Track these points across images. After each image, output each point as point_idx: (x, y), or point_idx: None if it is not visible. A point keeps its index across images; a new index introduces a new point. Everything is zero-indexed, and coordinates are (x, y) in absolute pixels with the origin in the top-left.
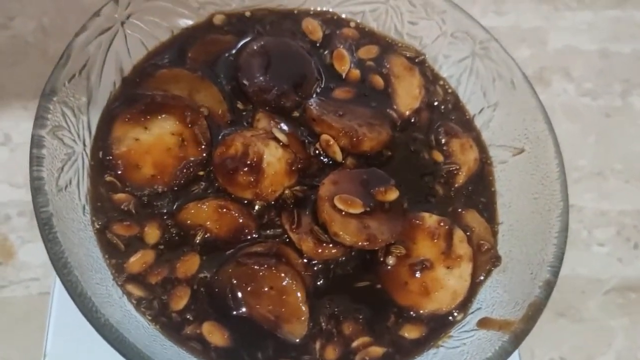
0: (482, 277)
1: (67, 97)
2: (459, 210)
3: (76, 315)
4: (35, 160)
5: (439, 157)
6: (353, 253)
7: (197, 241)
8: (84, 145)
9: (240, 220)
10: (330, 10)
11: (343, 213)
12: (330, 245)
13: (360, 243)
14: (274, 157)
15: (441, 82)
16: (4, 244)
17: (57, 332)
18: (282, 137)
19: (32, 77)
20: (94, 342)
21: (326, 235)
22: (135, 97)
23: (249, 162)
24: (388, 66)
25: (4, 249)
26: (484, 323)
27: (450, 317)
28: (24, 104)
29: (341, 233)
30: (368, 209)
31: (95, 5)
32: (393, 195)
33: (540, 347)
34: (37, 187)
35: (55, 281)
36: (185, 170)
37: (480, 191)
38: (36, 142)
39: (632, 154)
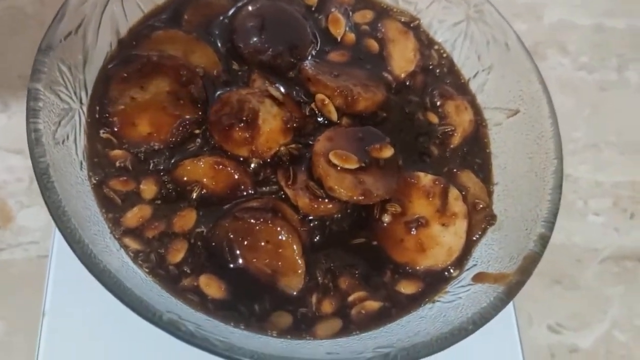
0: (477, 236)
1: (63, 54)
2: (454, 170)
3: (74, 276)
4: (32, 113)
5: (434, 118)
6: (349, 210)
7: (194, 197)
8: (81, 103)
9: (236, 177)
10: None
11: (338, 168)
12: (326, 200)
13: (355, 198)
14: (269, 114)
15: (436, 47)
16: (2, 208)
17: (55, 292)
18: (277, 95)
19: (31, 47)
20: (91, 301)
21: (321, 190)
22: (131, 58)
23: (244, 119)
24: (383, 30)
25: (2, 213)
26: (479, 277)
27: (446, 273)
28: (22, 73)
29: (336, 187)
30: (363, 164)
31: None
32: (388, 152)
33: (537, 313)
34: (34, 138)
35: (54, 244)
36: (181, 128)
37: (475, 152)
38: (32, 95)
39: (626, 127)
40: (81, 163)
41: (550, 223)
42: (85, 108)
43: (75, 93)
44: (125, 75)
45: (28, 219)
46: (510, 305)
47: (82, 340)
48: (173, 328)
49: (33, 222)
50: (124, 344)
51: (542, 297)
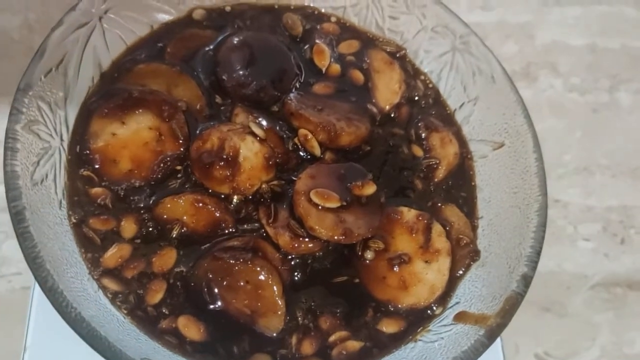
0: (461, 272)
1: (43, 92)
2: (438, 204)
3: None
4: (9, 155)
5: (418, 151)
6: (330, 247)
7: (174, 235)
8: (61, 139)
9: (217, 215)
10: (311, 5)
11: (319, 207)
12: (307, 239)
13: (336, 237)
14: (250, 152)
15: (422, 77)
16: None
17: (37, 326)
18: (259, 132)
19: (18, 73)
20: (74, 337)
21: (302, 230)
22: (112, 92)
23: (225, 157)
24: (368, 61)
25: None
26: (460, 317)
27: (429, 311)
28: (9, 100)
29: (317, 227)
30: (345, 203)
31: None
32: (370, 189)
33: (525, 342)
34: (9, 181)
35: None
36: (162, 165)
37: (460, 186)
38: (10, 136)
39: (618, 150)
40: (60, 202)
41: (534, 262)
42: (65, 145)
43: (55, 130)
44: (107, 110)
45: (12, 249)
46: None
47: None
48: None
49: (17, 253)
50: None
51: (529, 325)
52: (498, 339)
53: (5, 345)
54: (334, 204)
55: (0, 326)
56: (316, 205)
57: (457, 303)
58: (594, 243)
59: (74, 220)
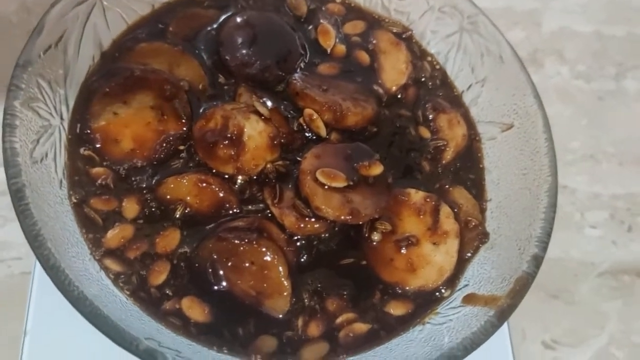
0: (469, 254)
1: (42, 69)
2: (446, 186)
3: (56, 294)
4: (8, 131)
5: (425, 133)
6: (337, 229)
7: (177, 216)
8: (61, 118)
9: (221, 195)
10: None
11: (326, 187)
12: (313, 219)
13: (342, 217)
14: (255, 131)
15: (429, 58)
16: None
17: (37, 311)
18: (263, 110)
19: (16, 56)
20: (74, 321)
21: (308, 210)
22: (114, 71)
23: (229, 135)
24: (374, 42)
25: None
26: (469, 299)
27: (437, 294)
28: (6, 83)
29: (323, 207)
30: (351, 183)
31: None
32: (377, 169)
33: (532, 329)
34: (8, 158)
35: (36, 260)
36: (165, 145)
37: (468, 168)
38: (9, 113)
39: (625, 138)
40: (61, 181)
41: (544, 243)
42: (66, 124)
43: (55, 108)
44: (108, 89)
45: (12, 234)
46: None
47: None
48: (150, 357)
49: (17, 237)
50: None
51: (537, 312)
52: (505, 326)
53: (5, 330)
54: (340, 184)
55: (0, 311)
56: (322, 184)
57: (465, 285)
58: (601, 230)
59: (75, 200)
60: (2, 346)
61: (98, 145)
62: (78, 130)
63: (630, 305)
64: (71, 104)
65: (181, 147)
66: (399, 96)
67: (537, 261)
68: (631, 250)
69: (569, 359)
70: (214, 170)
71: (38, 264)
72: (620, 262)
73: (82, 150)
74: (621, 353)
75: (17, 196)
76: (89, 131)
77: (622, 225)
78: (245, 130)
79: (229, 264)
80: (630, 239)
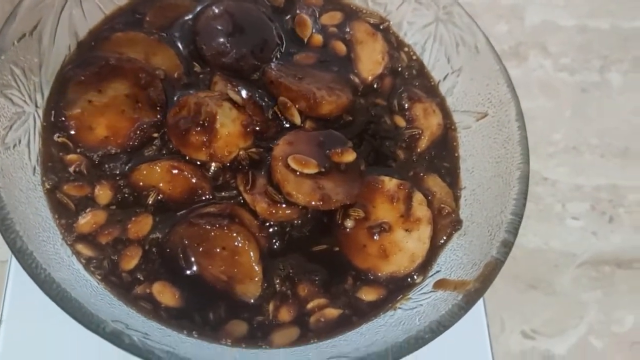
0: (442, 241)
1: (16, 57)
2: (421, 174)
3: (33, 283)
4: None
5: (401, 122)
6: (310, 216)
7: (150, 202)
8: (36, 106)
9: (194, 181)
10: None
11: (297, 173)
12: (284, 205)
13: (313, 203)
14: (227, 118)
15: (406, 49)
16: None
17: (13, 300)
18: (236, 98)
19: None
20: (51, 310)
21: (280, 196)
22: (89, 60)
23: (201, 122)
24: (351, 32)
25: None
26: (440, 284)
27: (409, 280)
28: None
29: (294, 193)
30: (323, 169)
31: None
32: (349, 156)
33: (512, 319)
34: None
35: None
36: (139, 132)
37: (443, 156)
38: None
39: (607, 129)
40: (34, 168)
41: (514, 229)
42: (41, 111)
43: (29, 96)
44: (83, 77)
45: None
46: (482, 310)
47: (40, 348)
48: (116, 339)
49: None
50: (84, 352)
51: (516, 302)
52: (483, 316)
53: None
54: (311, 170)
55: None
56: (294, 171)
57: (437, 272)
58: (583, 221)
59: (48, 187)
60: None
61: (72, 132)
62: (53, 118)
63: (610, 296)
64: (46, 92)
65: (155, 135)
66: (375, 86)
67: (507, 246)
68: (612, 241)
69: (548, 348)
70: (187, 157)
71: None
72: (600, 253)
73: (56, 137)
74: (600, 343)
75: None
76: (63, 118)
77: (603, 216)
78: (218, 117)
79: (200, 249)
80: (611, 230)
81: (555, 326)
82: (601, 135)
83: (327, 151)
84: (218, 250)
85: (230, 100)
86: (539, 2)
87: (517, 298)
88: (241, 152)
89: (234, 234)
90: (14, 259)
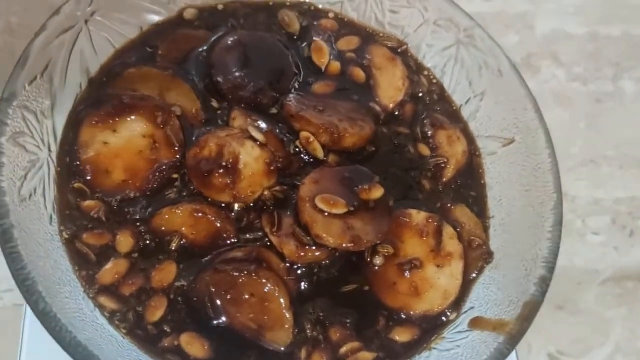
0: (474, 275)
1: (28, 101)
2: (448, 205)
3: None
4: None
5: (425, 150)
6: (337, 255)
7: (173, 248)
8: (50, 150)
9: (218, 225)
10: (308, 0)
11: (326, 214)
12: (314, 247)
13: (344, 245)
14: (250, 157)
15: (425, 73)
16: None
17: (31, 344)
18: (258, 136)
19: (0, 81)
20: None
21: (309, 238)
22: (102, 99)
23: (224, 164)
24: (369, 57)
25: None
26: (477, 323)
27: (443, 318)
28: None
29: (324, 235)
30: (352, 208)
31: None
32: (378, 193)
33: (538, 341)
34: None
35: None
36: (158, 174)
37: (469, 185)
38: None
39: (624, 140)
40: (51, 217)
41: (551, 264)
42: (54, 156)
43: (42, 141)
44: (97, 118)
45: (2, 266)
46: None
47: None
48: None
49: (7, 270)
50: None
51: (541, 323)
52: None
53: None
54: (340, 210)
55: None
56: (322, 211)
57: (471, 308)
58: (604, 237)
59: (66, 236)
60: None
61: (89, 177)
62: (67, 162)
63: (634, 312)
64: (59, 134)
65: (175, 176)
66: (397, 113)
67: (545, 283)
68: (633, 255)
69: None
70: (209, 199)
71: None
72: (623, 269)
73: (72, 183)
74: None
75: (5, 238)
76: (78, 163)
77: (624, 230)
78: (241, 157)
79: (228, 296)
80: (632, 245)
81: (582, 346)
82: (618, 146)
83: (355, 188)
84: (247, 297)
85: (252, 138)
86: (549, 9)
87: (542, 319)
88: (265, 192)
89: (263, 280)
90: None
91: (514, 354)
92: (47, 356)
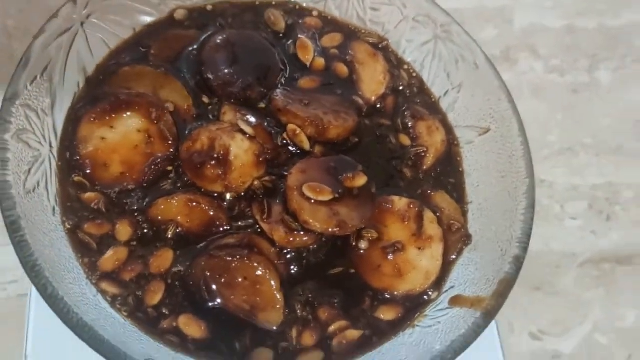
0: (454, 256)
1: (30, 100)
2: (428, 192)
3: (55, 316)
4: (0, 165)
5: (406, 140)
6: (324, 240)
7: (169, 236)
8: (50, 146)
9: (211, 213)
10: (293, 0)
11: (312, 201)
12: (302, 233)
13: (330, 230)
14: (240, 150)
15: (405, 67)
16: None
17: (37, 334)
18: (248, 129)
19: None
20: (74, 342)
21: (297, 224)
22: (99, 96)
23: (215, 156)
24: (352, 53)
25: None
26: (456, 301)
27: (425, 297)
28: None
29: (311, 221)
30: (337, 195)
31: (60, 6)
32: (361, 180)
33: (519, 321)
34: (2, 191)
35: None
36: (153, 167)
37: (448, 172)
38: (0, 147)
39: (600, 129)
40: (54, 209)
41: (524, 244)
42: (55, 151)
43: (44, 137)
44: (94, 115)
45: (5, 257)
46: None
47: None
48: None
49: (10, 261)
50: None
51: (522, 304)
52: (493, 321)
53: (5, 354)
54: (326, 197)
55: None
56: (309, 199)
57: (451, 287)
58: (581, 221)
59: (69, 226)
60: None
61: (88, 171)
62: (68, 157)
63: (612, 293)
64: (59, 130)
65: (169, 168)
66: (378, 106)
67: (519, 262)
68: (610, 239)
69: (556, 348)
70: (202, 190)
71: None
72: (600, 251)
73: (72, 177)
74: (606, 339)
75: (13, 228)
76: (78, 157)
77: (600, 215)
78: (232, 149)
79: (222, 280)
80: (609, 228)
81: (561, 326)
82: (594, 134)
83: (339, 176)
84: (240, 280)
85: (242, 131)
86: (527, 3)
87: (522, 300)
88: (255, 182)
89: (255, 264)
90: (34, 292)
91: (496, 335)
92: (53, 345)
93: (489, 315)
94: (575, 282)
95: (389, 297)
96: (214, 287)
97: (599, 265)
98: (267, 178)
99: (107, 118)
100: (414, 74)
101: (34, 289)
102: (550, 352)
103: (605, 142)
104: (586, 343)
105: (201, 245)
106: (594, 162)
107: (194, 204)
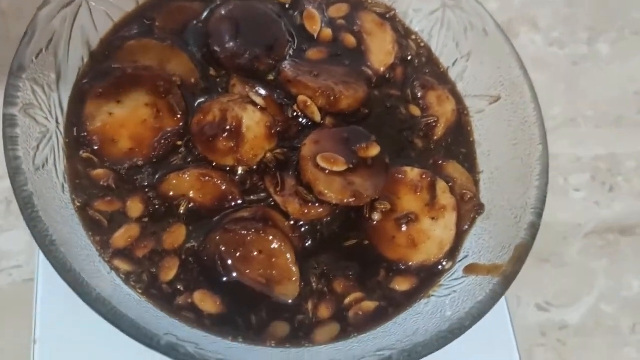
0: (467, 226)
1: (35, 74)
2: (440, 162)
3: (63, 299)
4: (10, 140)
5: (416, 111)
6: (338, 211)
7: (182, 211)
8: (57, 122)
9: (223, 187)
10: None
11: (327, 172)
12: (316, 204)
13: (345, 200)
14: (252, 121)
15: (413, 37)
16: None
17: (45, 317)
18: (259, 101)
19: None
20: (82, 324)
21: (311, 195)
22: (105, 71)
23: (228, 128)
24: (359, 23)
25: None
26: (471, 269)
27: (439, 267)
28: None
29: (326, 191)
30: (351, 165)
31: None
32: (375, 150)
33: (526, 293)
34: (15, 167)
35: (39, 266)
36: (163, 141)
37: (459, 142)
38: (9, 122)
39: (601, 100)
40: (63, 186)
41: (539, 210)
42: (62, 128)
43: (50, 113)
44: (101, 90)
45: (9, 242)
46: None
47: None
48: (172, 351)
49: (15, 245)
50: None
51: (529, 276)
52: None
53: (14, 339)
54: (341, 167)
55: (6, 321)
56: (323, 169)
57: (465, 257)
58: (585, 192)
59: (78, 204)
60: (13, 356)
61: (96, 147)
62: (75, 134)
63: (616, 262)
64: (65, 107)
65: (179, 143)
66: (388, 76)
67: (535, 228)
68: (614, 209)
69: (563, 318)
70: (214, 164)
71: (41, 271)
72: (604, 222)
73: (80, 153)
74: (611, 308)
75: (26, 204)
76: (85, 133)
77: (603, 186)
78: (244, 121)
79: (237, 254)
80: (612, 199)
81: (568, 296)
82: (595, 106)
83: (353, 147)
84: (255, 254)
85: (253, 103)
86: None
87: (529, 272)
88: (267, 154)
89: (270, 237)
90: (41, 276)
91: (505, 306)
92: (62, 328)
93: (507, 280)
94: (580, 252)
95: (403, 267)
96: (229, 261)
97: (603, 235)
98: (279, 150)
99: (114, 93)
100: (422, 44)
101: (40, 273)
102: (558, 322)
103: (606, 113)
104: (592, 313)
105: (215, 219)
106: (596, 134)
107: (206, 178)
